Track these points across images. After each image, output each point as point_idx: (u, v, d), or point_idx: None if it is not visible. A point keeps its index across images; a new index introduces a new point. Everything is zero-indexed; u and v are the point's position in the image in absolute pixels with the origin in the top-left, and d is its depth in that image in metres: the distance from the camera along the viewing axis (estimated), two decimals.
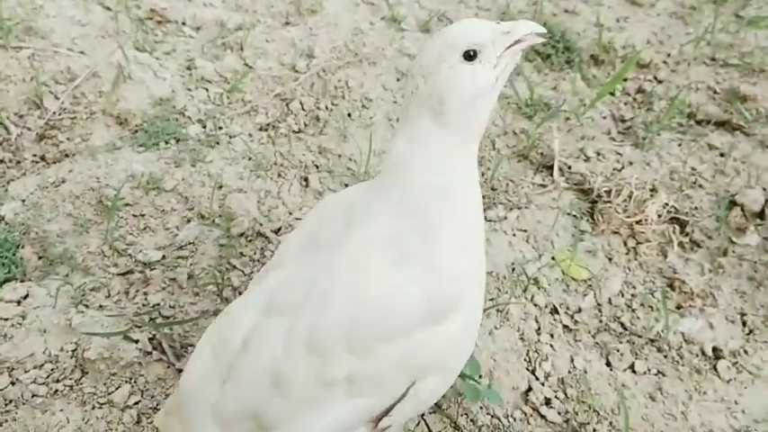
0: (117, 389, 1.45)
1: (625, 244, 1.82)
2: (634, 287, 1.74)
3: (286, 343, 1.05)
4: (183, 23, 2.46)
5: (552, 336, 1.63)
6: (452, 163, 1.04)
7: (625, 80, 2.29)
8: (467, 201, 1.07)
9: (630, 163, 2.00)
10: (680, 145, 2.07)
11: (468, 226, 1.08)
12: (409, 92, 1.04)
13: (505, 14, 2.54)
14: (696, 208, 1.91)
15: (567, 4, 2.60)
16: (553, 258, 1.77)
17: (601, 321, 1.67)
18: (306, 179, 1.90)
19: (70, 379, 1.46)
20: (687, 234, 1.85)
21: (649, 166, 1.99)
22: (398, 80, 2.20)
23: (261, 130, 2.04)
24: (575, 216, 1.88)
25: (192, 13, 2.48)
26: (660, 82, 2.30)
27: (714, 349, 1.63)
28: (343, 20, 2.44)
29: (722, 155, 2.05)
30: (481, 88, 1.00)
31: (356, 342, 1.04)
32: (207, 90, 2.13)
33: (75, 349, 1.49)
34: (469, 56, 0.99)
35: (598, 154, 2.05)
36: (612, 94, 2.24)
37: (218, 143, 1.96)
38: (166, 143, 1.92)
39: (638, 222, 1.83)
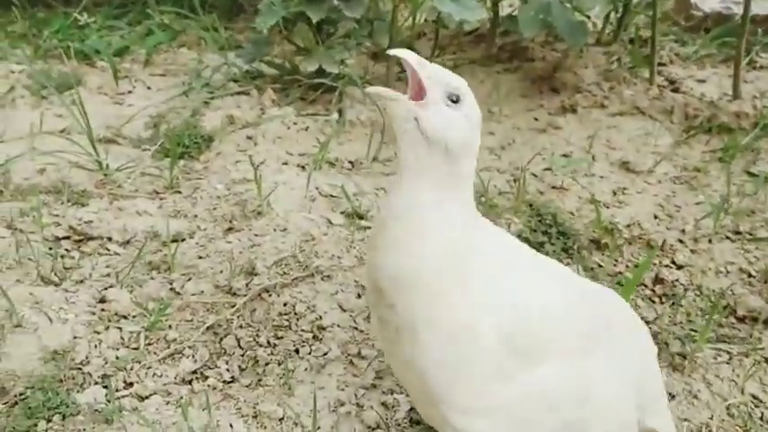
0: None
1: None
2: None
3: None
4: (109, 239, 2.00)
5: None
6: None
7: (636, 266, 1.80)
8: None
9: (672, 396, 1.45)
10: (729, 361, 1.54)
11: None
12: None
13: (483, 197, 2.10)
14: None
15: (553, 180, 2.16)
16: None
17: None
18: None
19: None
20: None
21: (697, 399, 1.45)
22: (359, 297, 1.70)
23: (183, 382, 1.50)
24: None
25: (121, 225, 2.03)
26: (680, 267, 1.81)
27: None
28: (295, 221, 1.98)
29: None
30: None
31: None
32: (120, 330, 1.63)
33: None
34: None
35: None
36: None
37: (120, 412, 1.41)
38: (48, 421, 1.38)
39: None
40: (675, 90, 2.69)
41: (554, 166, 2.27)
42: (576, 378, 1.03)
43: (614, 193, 2.10)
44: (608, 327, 1.12)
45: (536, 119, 2.72)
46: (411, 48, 3.23)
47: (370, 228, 1.96)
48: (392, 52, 1.02)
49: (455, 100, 0.99)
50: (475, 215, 1.08)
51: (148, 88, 3.13)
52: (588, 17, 2.88)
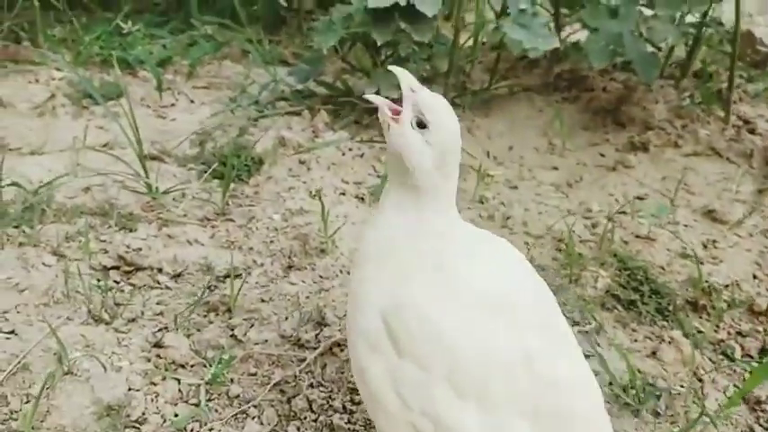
0: None
1: None
2: None
3: None
4: (160, 270, 1.85)
5: None
6: None
7: (739, 333, 1.64)
8: None
9: None
10: None
11: None
12: None
13: (563, 242, 1.94)
14: None
15: (635, 227, 2.00)
16: None
17: None
18: None
19: None
20: None
21: None
22: None
23: None
24: None
25: (171, 255, 1.88)
26: None
27: None
28: None
29: None
30: None
31: None
32: (178, 381, 1.47)
33: None
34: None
35: None
36: (731, 358, 1.57)
37: None
38: None
39: None
40: (752, 131, 2.52)
41: (630, 209, 2.11)
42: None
43: (704, 246, 1.93)
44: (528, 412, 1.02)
45: (602, 155, 2.56)
46: (468, 73, 3.09)
47: None
48: (391, 68, 1.12)
49: (420, 125, 1.07)
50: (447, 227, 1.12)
51: (191, 102, 2.98)
52: (659, 49, 2.72)
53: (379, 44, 2.30)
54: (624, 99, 2.74)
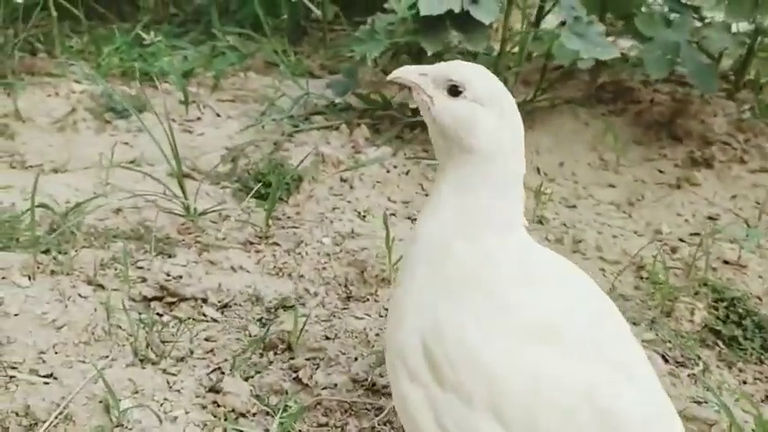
0: None
1: None
2: None
3: None
4: (204, 300, 1.67)
5: None
6: None
7: None
8: None
9: None
10: None
11: None
12: None
13: (643, 269, 1.78)
14: None
15: (720, 252, 1.83)
16: None
17: None
18: None
19: None
20: None
21: None
22: None
23: None
24: None
25: (215, 283, 1.71)
26: None
27: None
28: None
29: None
30: None
31: None
32: None
33: None
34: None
35: None
36: None
37: None
38: None
39: None
40: None
41: (705, 232, 1.95)
42: None
43: None
44: None
45: (661, 171, 2.40)
46: (512, 84, 2.94)
47: None
48: (389, 78, 1.04)
49: (454, 91, 0.99)
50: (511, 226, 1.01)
51: (218, 115, 2.82)
52: (714, 59, 2.58)
53: (429, 54, 2.14)
54: (679, 112, 2.58)
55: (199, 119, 2.78)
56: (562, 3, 2.25)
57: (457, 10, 2.06)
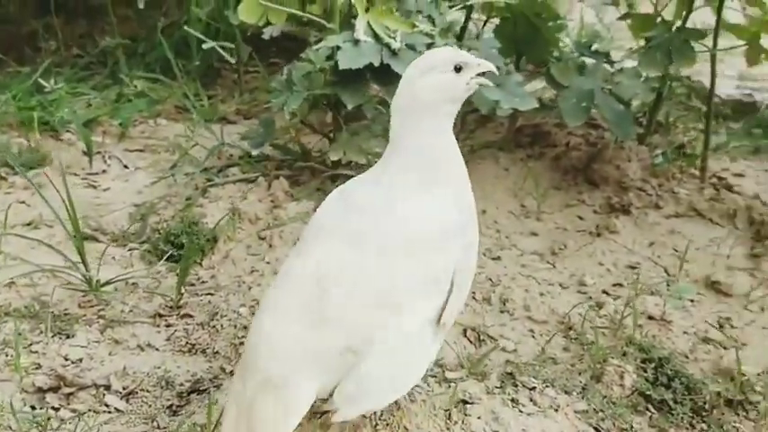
0: None
1: None
2: None
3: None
4: (107, 388, 1.51)
5: None
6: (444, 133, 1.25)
7: None
8: (459, 156, 1.27)
9: None
10: None
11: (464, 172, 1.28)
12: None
13: (572, 329, 1.73)
14: None
15: (648, 307, 1.81)
16: None
17: None
18: None
19: None
20: None
21: None
22: None
23: None
24: None
25: (120, 366, 1.55)
26: None
27: None
28: None
29: None
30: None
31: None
32: None
33: None
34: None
35: None
36: None
37: None
38: None
39: None
40: (729, 188, 2.43)
41: (627, 283, 1.95)
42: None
43: (720, 326, 1.77)
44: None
45: (581, 218, 2.39)
46: None
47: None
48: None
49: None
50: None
51: (125, 167, 2.66)
52: (627, 104, 2.61)
53: (349, 107, 2.06)
54: (594, 157, 2.60)
55: (104, 171, 2.61)
56: (482, 52, 2.22)
57: (377, 63, 1.99)
